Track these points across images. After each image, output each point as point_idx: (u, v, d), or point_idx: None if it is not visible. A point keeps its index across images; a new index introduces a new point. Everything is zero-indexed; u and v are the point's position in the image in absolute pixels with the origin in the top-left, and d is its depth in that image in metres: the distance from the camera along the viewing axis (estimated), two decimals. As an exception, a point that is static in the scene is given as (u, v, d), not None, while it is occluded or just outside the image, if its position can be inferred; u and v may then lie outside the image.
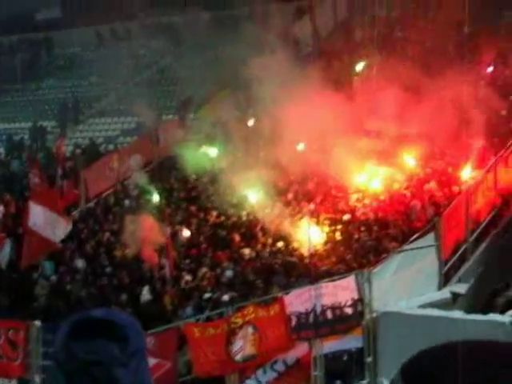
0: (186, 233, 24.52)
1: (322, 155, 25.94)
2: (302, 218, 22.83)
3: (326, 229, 23.09)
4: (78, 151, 35.90)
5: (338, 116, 25.48)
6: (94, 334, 2.28)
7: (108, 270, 22.96)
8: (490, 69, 29.98)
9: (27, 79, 45.86)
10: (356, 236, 22.01)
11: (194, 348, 16.32)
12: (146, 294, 20.51)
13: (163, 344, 16.44)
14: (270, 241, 23.20)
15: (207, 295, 19.95)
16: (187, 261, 22.56)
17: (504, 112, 25.47)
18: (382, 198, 23.96)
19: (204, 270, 21.58)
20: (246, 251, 22.66)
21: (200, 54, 39.08)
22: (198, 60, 39.91)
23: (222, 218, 25.21)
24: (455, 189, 22.88)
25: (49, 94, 44.68)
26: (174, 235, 24.33)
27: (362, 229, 22.19)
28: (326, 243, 22.26)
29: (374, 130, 25.93)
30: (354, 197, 24.32)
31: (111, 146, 36.55)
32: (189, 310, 19.68)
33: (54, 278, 23.12)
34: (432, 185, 23.30)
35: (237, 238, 23.55)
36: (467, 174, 23.43)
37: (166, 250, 21.96)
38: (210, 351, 16.25)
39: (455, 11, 35.40)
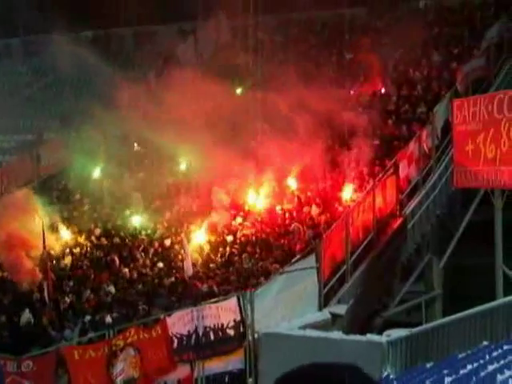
0: (68, 257, 24.25)
1: (204, 176, 26.13)
2: (184, 239, 22.78)
3: (208, 249, 23.17)
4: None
5: (219, 137, 25.75)
6: None
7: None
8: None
9: None
10: (238, 257, 22.13)
11: (74, 371, 16.07)
12: (26, 316, 20.07)
13: (41, 368, 16.16)
14: (150, 262, 23.11)
15: (88, 317, 19.68)
16: (70, 282, 22.22)
17: (377, 141, 26.08)
18: (262, 219, 24.17)
19: (86, 291, 21.31)
20: (127, 272, 22.52)
21: (81, 72, 38.71)
22: (79, 78, 39.53)
23: (104, 240, 25.00)
24: (339, 208, 23.28)
25: None
26: (54, 256, 24.04)
27: (245, 250, 22.34)
28: (208, 264, 22.30)
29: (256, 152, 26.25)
30: (237, 219, 24.48)
31: (-10, 165, 35.68)
32: (69, 332, 19.36)
33: None
34: (313, 209, 23.67)
35: (117, 259, 23.37)
36: (348, 196, 23.92)
37: (45, 272, 21.59)
38: (90, 374, 16.06)
39: (337, 37, 36.36)
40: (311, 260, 18.99)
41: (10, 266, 22.93)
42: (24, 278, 22.46)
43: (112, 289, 21.45)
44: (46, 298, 21.11)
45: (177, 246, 23.35)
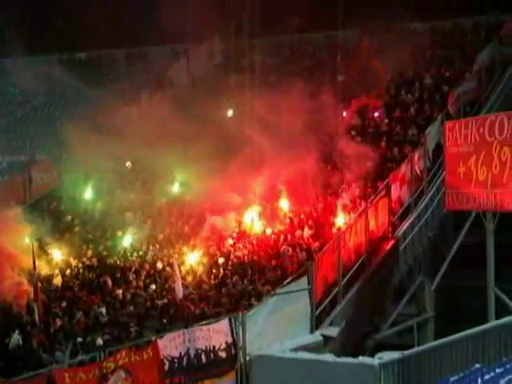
0: (59, 278, 24.14)
1: (197, 197, 26.14)
2: (176, 260, 22.73)
3: (201, 271, 23.12)
4: None
5: (210, 158, 25.81)
6: None
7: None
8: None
9: None
10: (230, 279, 22.08)
11: (65, 394, 15.94)
12: (15, 339, 19.95)
13: (31, 391, 16.03)
14: (143, 284, 23.03)
15: (79, 339, 19.58)
16: (62, 303, 22.11)
17: (370, 163, 26.08)
18: (254, 241, 24.15)
19: (77, 313, 21.19)
20: (120, 294, 22.44)
21: (74, 94, 38.78)
22: (71, 99, 39.61)
23: (95, 261, 24.93)
24: (332, 230, 23.27)
25: None
26: (45, 277, 23.95)
27: (236, 272, 22.29)
28: (200, 286, 22.24)
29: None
30: (229, 241, 24.46)
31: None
32: (60, 354, 19.24)
33: None
34: (306, 231, 23.64)
35: (109, 281, 23.30)
36: (340, 219, 23.91)
37: (35, 293, 21.47)
38: (81, 397, 15.92)
39: (328, 57, 36.50)
40: (303, 282, 18.96)
41: None
42: (8, 290, 22.31)
43: (103, 310, 21.34)
44: (37, 319, 20.98)
45: (169, 268, 23.29)
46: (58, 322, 20.83)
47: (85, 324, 20.70)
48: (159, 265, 23.82)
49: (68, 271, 24.60)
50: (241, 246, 23.90)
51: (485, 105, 28.09)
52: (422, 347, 16.35)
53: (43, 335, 20.31)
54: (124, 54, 43.14)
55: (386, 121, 29.82)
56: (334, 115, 28.85)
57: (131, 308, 21.43)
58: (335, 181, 25.63)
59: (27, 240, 24.61)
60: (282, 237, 23.77)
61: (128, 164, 31.21)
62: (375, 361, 15.48)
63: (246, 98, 31.71)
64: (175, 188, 28.59)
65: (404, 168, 24.10)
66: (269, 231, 24.44)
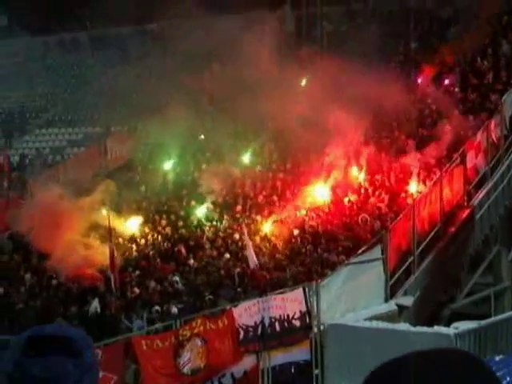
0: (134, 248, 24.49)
1: (270, 168, 26.13)
2: (250, 230, 22.84)
3: (275, 240, 23.18)
4: (25, 162, 35.58)
5: (284, 129, 25.75)
6: (47, 349, 2.29)
7: (54, 282, 22.74)
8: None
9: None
10: (304, 249, 22.10)
11: (142, 361, 16.22)
12: (94, 306, 20.35)
13: (110, 357, 16.31)
14: (216, 253, 23.22)
15: (156, 308, 19.87)
16: (136, 273, 22.45)
17: (449, 127, 25.74)
18: (327, 211, 24.10)
19: (152, 282, 21.50)
20: (194, 263, 22.67)
21: (147, 65, 39.03)
22: (146, 70, 39.93)
23: (170, 230, 25.19)
24: (407, 200, 23.08)
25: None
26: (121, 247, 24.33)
27: (310, 242, 22.30)
28: (274, 255, 22.33)
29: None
30: (302, 211, 24.46)
31: (58, 157, 36.29)
32: (137, 322, 19.58)
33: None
34: (380, 203, 23.48)
35: (183, 250, 23.54)
36: (413, 187, 23.69)
37: (111, 262, 21.84)
38: (158, 364, 16.18)
39: (401, 26, 36.03)
40: (377, 251, 18.87)
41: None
42: (82, 261, 22.71)
43: (178, 279, 21.60)
44: (113, 288, 21.36)
45: (243, 237, 23.42)
46: (136, 291, 21.17)
47: (160, 293, 20.98)
48: (234, 234, 23.95)
49: (143, 241, 24.93)
50: (314, 215, 23.87)
51: None
52: (498, 317, 16.19)
53: (121, 303, 20.68)
54: (195, 24, 43.16)
55: (457, 89, 29.34)
56: (407, 83, 28.51)
57: (205, 277, 21.62)
58: (409, 149, 25.37)
59: (103, 211, 24.98)
60: (355, 206, 23.68)
61: (201, 136, 31.34)
62: (451, 330, 15.37)
63: (319, 66, 31.53)
64: (247, 158, 28.65)
65: (480, 136, 23.68)
66: (345, 200, 24.37)
